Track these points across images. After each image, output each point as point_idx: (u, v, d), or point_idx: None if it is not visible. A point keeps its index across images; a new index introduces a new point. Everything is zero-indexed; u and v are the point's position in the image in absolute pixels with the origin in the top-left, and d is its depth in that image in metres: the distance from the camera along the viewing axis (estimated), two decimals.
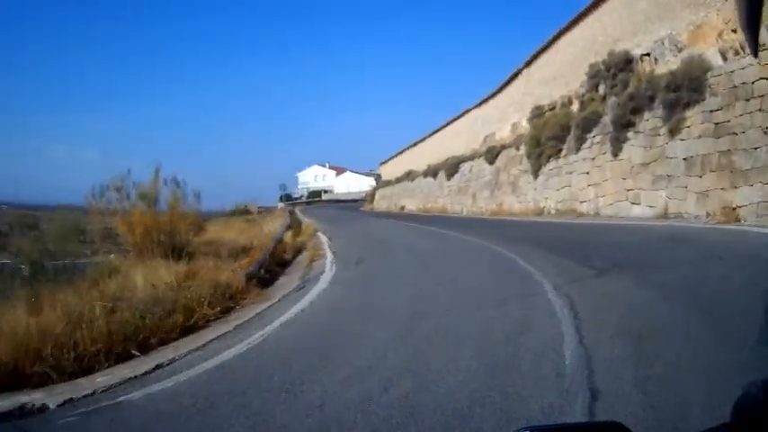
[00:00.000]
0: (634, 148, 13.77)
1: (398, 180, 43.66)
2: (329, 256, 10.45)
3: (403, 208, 39.66)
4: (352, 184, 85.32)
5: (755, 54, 2.24)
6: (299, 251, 11.75)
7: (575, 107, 17.44)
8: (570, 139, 17.27)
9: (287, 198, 76.60)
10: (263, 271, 8.18)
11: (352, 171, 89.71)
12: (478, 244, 10.17)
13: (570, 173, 17.35)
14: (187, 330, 5.58)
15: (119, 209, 8.71)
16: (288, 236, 12.66)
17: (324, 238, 14.84)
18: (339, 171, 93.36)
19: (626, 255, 7.15)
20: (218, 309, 6.23)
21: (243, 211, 49.88)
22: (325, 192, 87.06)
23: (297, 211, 42.47)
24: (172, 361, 4.47)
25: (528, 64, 22.29)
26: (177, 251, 8.77)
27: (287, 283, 7.96)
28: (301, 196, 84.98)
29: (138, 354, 4.89)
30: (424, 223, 19.33)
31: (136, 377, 4.19)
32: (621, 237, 9.53)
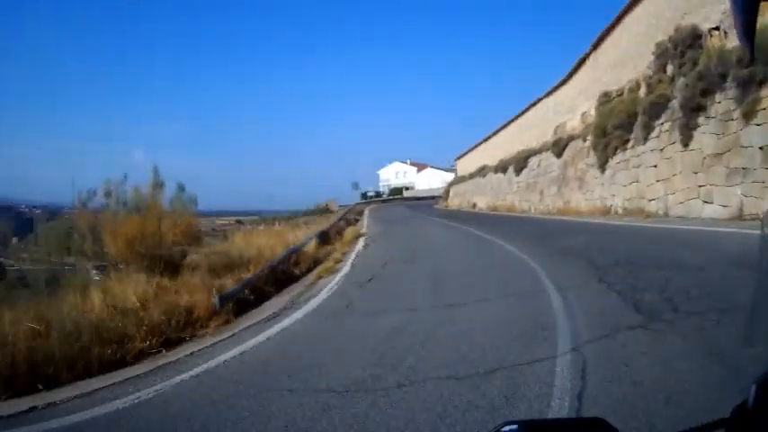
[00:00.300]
0: (705, 137, 11.74)
1: (471, 176, 42.05)
2: (344, 270, 9.79)
3: (474, 205, 38.13)
4: (433, 180, 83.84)
5: (752, 60, 1.78)
6: (317, 262, 11.18)
7: (642, 91, 15.38)
8: (637, 128, 15.26)
9: (363, 196, 76.84)
10: (247, 292, 7.67)
11: (432, 167, 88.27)
12: (518, 260, 8.66)
13: (638, 166, 15.34)
14: (114, 364, 5.16)
15: (107, 216, 8.48)
16: (311, 246, 12.11)
17: (359, 246, 14.25)
18: (420, 167, 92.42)
19: (689, 285, 5.30)
20: (163, 339, 5.78)
21: (323, 210, 50.99)
22: (407, 188, 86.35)
23: (366, 210, 42.38)
24: (48, 405, 4.08)
25: (595, 47, 20.17)
26: (165, 264, 8.50)
27: (268, 308, 7.36)
28: (381, 193, 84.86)
29: (41, 388, 4.56)
30: (477, 226, 18.08)
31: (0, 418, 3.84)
32: (687, 251, 7.62)
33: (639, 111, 15.02)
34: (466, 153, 49.49)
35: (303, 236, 14.12)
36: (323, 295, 7.59)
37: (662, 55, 13.84)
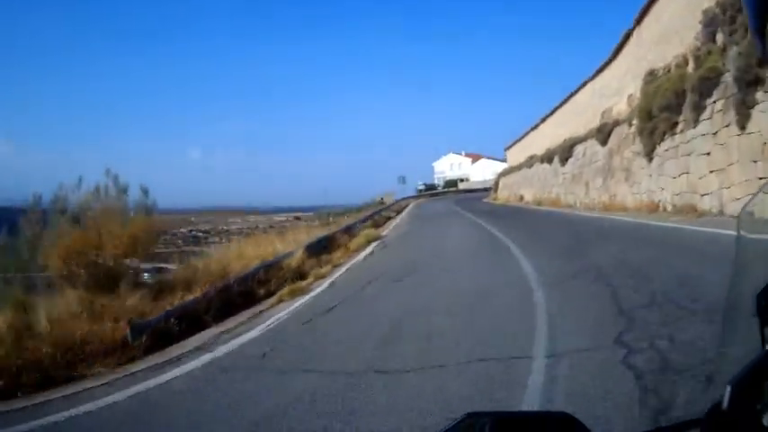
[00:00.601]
0: (766, 116, 9.50)
1: (520, 167, 39.57)
2: (316, 291, 8.60)
3: (521, 198, 35.79)
4: (487, 171, 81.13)
5: (765, 58, 0.72)
6: (301, 276, 9.94)
7: (690, 66, 13.04)
8: (686, 109, 12.96)
9: (418, 190, 75.59)
10: (173, 320, 6.60)
11: (487, 158, 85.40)
12: (525, 289, 6.58)
13: (688, 154, 13.04)
14: None
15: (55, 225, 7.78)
16: (297, 257, 10.87)
17: (362, 255, 12.99)
18: (475, 158, 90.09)
19: None
20: (39, 377, 5.04)
21: (379, 204, 50.26)
22: (462, 180, 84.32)
23: (410, 205, 41.08)
24: None
25: (638, 21, 17.68)
26: (110, 279, 7.69)
27: (188, 344, 6.25)
28: (436, 186, 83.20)
29: None
30: (506, 228, 16.31)
31: None
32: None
33: (688, 88, 12.72)
34: (515, 142, 46.80)
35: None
36: (254, 333, 6.40)
37: (710, 23, 11.54)
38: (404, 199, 51.33)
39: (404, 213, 30.29)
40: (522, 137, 43.28)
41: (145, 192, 9.72)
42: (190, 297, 7.51)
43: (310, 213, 54.81)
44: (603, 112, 22.28)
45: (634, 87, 18.27)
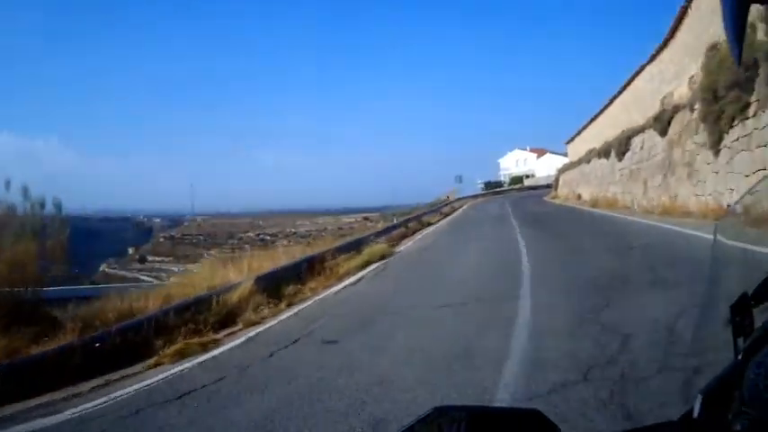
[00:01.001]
0: None
1: (579, 162, 35.79)
2: (218, 351, 6.45)
3: (579, 197, 32.14)
4: (552, 166, 76.46)
5: (739, 63, 1.05)
6: (222, 322, 7.83)
7: (761, 31, 9.84)
8: (760, 84, 9.82)
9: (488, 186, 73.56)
10: None
11: (551, 152, 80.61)
12: None
13: (765, 145, 9.88)
14: None
15: None
16: (242, 290, 8.82)
17: (348, 281, 10.92)
18: (540, 153, 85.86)
19: None
20: None
21: (442, 202, 48.16)
22: (527, 177, 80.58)
23: (464, 206, 38.68)
24: None
25: None
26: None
27: None
28: (502, 183, 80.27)
29: None
30: (541, 243, 13.65)
31: None
32: None
33: (761, 57, 9.60)
34: (576, 135, 42.66)
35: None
36: (60, 418, 4.58)
37: None
38: (460, 199, 48.72)
39: (444, 221, 27.74)
40: (582, 129, 39.23)
41: (57, 206, 8.32)
42: (47, 347, 5.86)
43: (377, 214, 53.43)
44: (663, 98, 18.76)
45: (696, 67, 14.88)
